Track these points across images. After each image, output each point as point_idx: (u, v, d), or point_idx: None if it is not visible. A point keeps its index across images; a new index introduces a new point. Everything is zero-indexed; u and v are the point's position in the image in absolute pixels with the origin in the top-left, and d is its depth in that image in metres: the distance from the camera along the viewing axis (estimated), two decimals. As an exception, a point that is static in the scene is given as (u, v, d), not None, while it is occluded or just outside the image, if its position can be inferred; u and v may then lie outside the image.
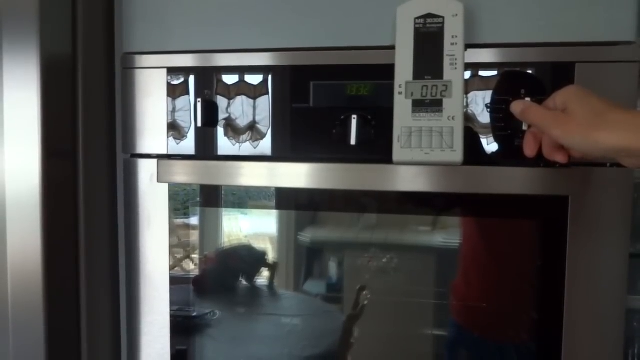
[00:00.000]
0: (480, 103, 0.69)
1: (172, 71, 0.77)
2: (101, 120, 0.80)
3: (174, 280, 0.81)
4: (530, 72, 0.69)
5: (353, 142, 0.70)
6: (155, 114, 0.78)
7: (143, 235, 0.80)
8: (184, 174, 0.77)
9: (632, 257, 0.70)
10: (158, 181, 0.78)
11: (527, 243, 0.72)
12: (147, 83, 0.78)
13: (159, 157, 0.78)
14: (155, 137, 0.78)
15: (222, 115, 0.77)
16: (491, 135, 0.70)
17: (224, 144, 0.77)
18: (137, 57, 0.78)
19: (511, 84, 0.69)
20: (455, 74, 0.64)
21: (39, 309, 0.69)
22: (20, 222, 0.69)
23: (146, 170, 0.79)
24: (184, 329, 0.83)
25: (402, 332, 0.90)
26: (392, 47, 0.67)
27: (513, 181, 0.68)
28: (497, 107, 0.69)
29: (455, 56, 0.64)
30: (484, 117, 0.70)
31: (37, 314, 0.69)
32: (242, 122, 0.76)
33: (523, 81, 0.69)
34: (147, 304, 0.81)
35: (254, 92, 0.76)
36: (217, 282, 0.94)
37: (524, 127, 0.66)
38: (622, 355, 0.69)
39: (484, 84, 0.69)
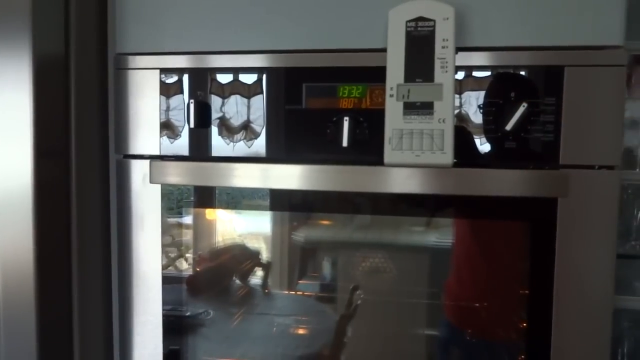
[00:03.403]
0: (473, 103, 0.70)
1: (165, 72, 0.77)
2: (94, 120, 0.80)
3: (167, 280, 0.81)
4: (520, 75, 0.69)
5: (345, 143, 0.70)
6: (148, 114, 0.78)
7: (136, 236, 0.80)
8: (176, 175, 0.77)
9: (623, 258, 0.70)
10: (151, 182, 0.78)
11: (517, 244, 0.73)
12: (140, 84, 0.78)
13: (152, 157, 0.78)
14: (148, 138, 0.78)
15: (216, 115, 0.77)
16: (481, 137, 0.70)
17: (218, 143, 0.77)
18: (130, 57, 0.78)
19: (502, 86, 0.69)
20: (446, 77, 0.65)
21: (30, 309, 0.69)
22: (12, 223, 0.68)
23: (139, 170, 0.79)
24: (176, 329, 0.83)
25: (395, 332, 0.90)
26: (384, 50, 0.67)
27: (503, 183, 0.69)
28: (488, 110, 0.69)
29: (446, 59, 0.64)
30: (477, 117, 0.70)
31: (29, 314, 0.69)
32: (236, 121, 0.77)
33: (513, 84, 0.69)
34: (140, 304, 0.81)
35: (248, 91, 0.76)
36: (211, 281, 0.94)
37: (507, 128, 0.66)
38: (610, 354, 0.70)
39: (477, 84, 0.70)
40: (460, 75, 0.69)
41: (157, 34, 0.77)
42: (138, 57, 0.78)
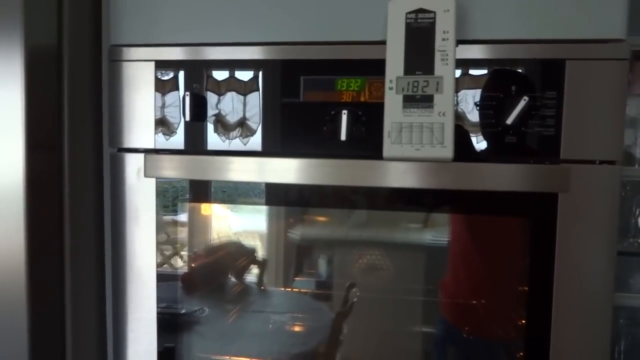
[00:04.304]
0: (470, 101, 0.69)
1: (160, 64, 0.76)
2: (87, 113, 0.79)
3: (162, 277, 0.80)
4: (521, 68, 0.69)
5: (343, 137, 0.70)
6: (142, 107, 0.77)
7: (130, 231, 0.79)
8: (171, 168, 0.76)
9: (620, 255, 0.70)
10: (145, 176, 0.77)
11: (517, 240, 0.72)
12: (135, 76, 0.77)
13: (146, 151, 0.77)
14: (142, 131, 0.77)
15: (212, 111, 0.76)
16: (481, 132, 0.70)
17: (214, 140, 0.76)
18: (125, 49, 0.77)
19: (502, 80, 0.69)
20: (446, 70, 0.64)
21: (22, 305, 0.67)
22: (3, 218, 0.67)
23: (133, 164, 0.78)
24: (171, 326, 0.82)
25: (391, 329, 0.90)
26: (383, 42, 0.66)
27: (503, 178, 0.68)
28: (488, 104, 0.69)
29: (447, 52, 0.64)
30: (474, 115, 0.69)
31: (21, 310, 0.68)
32: (232, 118, 0.76)
33: (514, 78, 0.69)
34: (134, 301, 0.80)
35: (245, 89, 0.75)
36: (206, 278, 0.94)
37: (508, 122, 0.66)
38: (609, 352, 0.69)
39: (474, 81, 0.69)
40: (459, 71, 0.68)
41: (153, 25, 0.76)
42: (133, 49, 0.77)
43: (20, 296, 0.67)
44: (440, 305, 0.87)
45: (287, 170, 0.73)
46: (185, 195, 0.81)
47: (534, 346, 0.70)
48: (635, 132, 1.02)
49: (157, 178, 0.77)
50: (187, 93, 0.74)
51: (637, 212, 1.04)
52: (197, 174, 0.77)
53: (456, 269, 0.86)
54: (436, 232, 0.84)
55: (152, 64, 0.76)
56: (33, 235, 0.68)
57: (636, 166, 1.01)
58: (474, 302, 0.84)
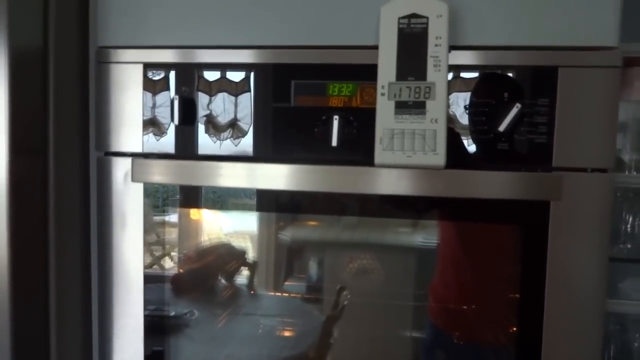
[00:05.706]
0: (462, 105, 0.69)
1: (148, 67, 0.75)
2: (74, 116, 0.78)
3: (151, 280, 0.79)
4: (513, 75, 0.68)
5: (334, 143, 0.69)
6: (130, 110, 0.76)
7: (117, 236, 0.78)
8: (159, 173, 0.75)
9: (610, 261, 0.70)
10: (132, 181, 0.76)
11: (508, 247, 0.72)
12: (123, 78, 0.75)
13: (134, 155, 0.76)
14: (130, 135, 0.76)
15: (202, 112, 0.75)
16: (473, 139, 0.69)
17: (205, 141, 0.75)
18: (113, 51, 0.76)
19: (495, 87, 0.68)
20: (438, 76, 0.63)
21: (4, 313, 0.66)
22: (-15, 222, 0.66)
23: (121, 169, 0.77)
24: (159, 330, 0.81)
25: (381, 333, 0.89)
26: (375, 47, 0.66)
27: (495, 185, 0.68)
28: (480, 110, 0.68)
29: (439, 57, 0.63)
30: (465, 119, 0.69)
31: (3, 318, 0.66)
32: (223, 119, 0.75)
33: (507, 84, 0.68)
34: (120, 306, 0.79)
35: (236, 89, 0.74)
36: (196, 281, 0.93)
37: (500, 129, 0.65)
38: (600, 359, 0.69)
39: (466, 87, 0.69)
40: (453, 74, 0.68)
41: (141, 26, 0.74)
42: (121, 51, 0.75)
43: (3, 303, 0.66)
44: (430, 309, 0.87)
45: (277, 176, 0.72)
46: (176, 195, 0.81)
47: (525, 353, 0.70)
48: (625, 138, 1.03)
49: (144, 183, 0.76)
50: (176, 97, 0.73)
51: (628, 218, 1.04)
52: (186, 179, 0.76)
53: (447, 275, 0.86)
54: (428, 237, 0.83)
55: (141, 66, 0.75)
56: (16, 240, 0.67)
57: (626, 172, 1.01)
58: (464, 307, 0.84)
